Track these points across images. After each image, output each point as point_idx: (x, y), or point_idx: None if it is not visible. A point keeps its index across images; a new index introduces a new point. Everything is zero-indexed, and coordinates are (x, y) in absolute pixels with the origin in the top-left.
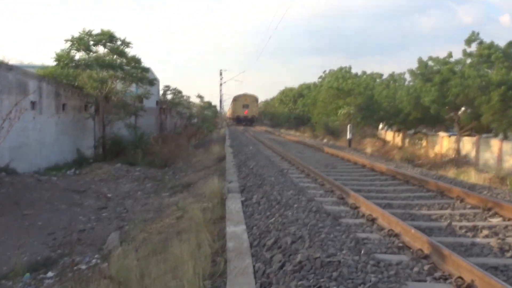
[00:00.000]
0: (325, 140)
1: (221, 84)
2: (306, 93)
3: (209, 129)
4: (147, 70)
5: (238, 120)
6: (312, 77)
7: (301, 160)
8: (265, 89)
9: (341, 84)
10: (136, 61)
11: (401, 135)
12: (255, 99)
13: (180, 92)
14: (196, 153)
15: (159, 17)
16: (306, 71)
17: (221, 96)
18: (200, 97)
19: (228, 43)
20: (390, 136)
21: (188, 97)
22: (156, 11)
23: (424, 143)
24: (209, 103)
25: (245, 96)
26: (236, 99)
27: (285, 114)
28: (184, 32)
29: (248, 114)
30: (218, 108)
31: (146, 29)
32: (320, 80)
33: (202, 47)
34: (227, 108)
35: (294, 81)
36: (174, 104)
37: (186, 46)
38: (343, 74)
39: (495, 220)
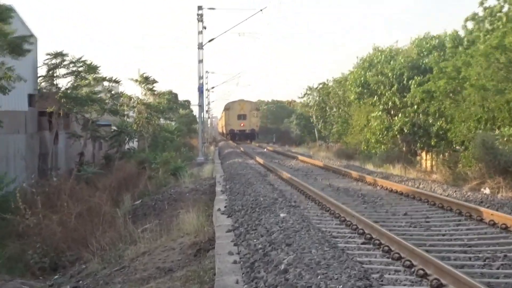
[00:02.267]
0: None
1: (200, 61)
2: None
3: (175, 167)
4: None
5: (232, 135)
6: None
7: None
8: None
9: None
10: None
11: None
12: (255, 107)
13: (93, 68)
14: (134, 235)
15: None
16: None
17: (200, 83)
18: (147, 81)
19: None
20: None
21: (117, 83)
22: None
23: None
24: (172, 98)
25: (241, 103)
26: (228, 108)
27: (383, 124)
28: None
29: (246, 127)
30: (202, 114)
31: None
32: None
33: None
34: (216, 111)
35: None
36: (80, 101)
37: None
38: None
39: None
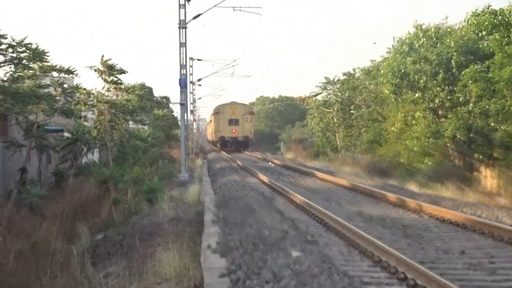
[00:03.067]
0: None
1: (182, 44)
2: None
3: (149, 188)
4: None
5: (223, 143)
6: None
7: None
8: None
9: None
10: None
11: None
12: (248, 110)
13: (39, 54)
14: (95, 281)
15: None
16: None
17: (183, 74)
18: (111, 70)
19: None
20: None
21: (71, 73)
22: None
23: None
24: (146, 94)
25: (232, 106)
26: (218, 112)
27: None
28: None
29: (239, 133)
30: (186, 115)
31: None
32: None
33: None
34: (205, 112)
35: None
36: (22, 98)
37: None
38: None
39: None
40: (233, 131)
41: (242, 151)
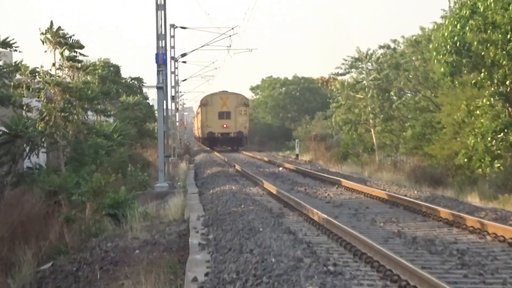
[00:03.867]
0: None
1: (160, 7)
2: None
3: (115, 201)
4: None
5: (212, 140)
6: None
7: None
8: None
9: None
10: None
11: None
12: (242, 101)
13: None
14: None
15: None
16: None
17: (161, 47)
18: (64, 41)
19: None
20: None
21: (8, 47)
22: None
23: None
24: (111, 75)
25: (223, 96)
26: (206, 103)
27: None
28: None
29: (231, 129)
30: (165, 103)
31: None
32: None
33: None
34: (192, 99)
35: None
36: None
37: None
38: None
39: None
40: (224, 125)
41: (237, 150)
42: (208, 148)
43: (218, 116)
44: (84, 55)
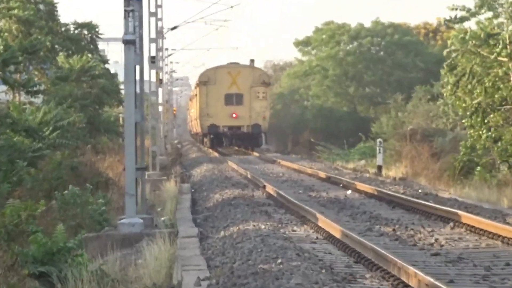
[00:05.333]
0: None
1: None
2: None
3: (44, 252)
4: None
5: (215, 136)
6: None
7: None
8: None
9: None
10: None
11: None
12: (260, 78)
13: None
14: None
15: None
16: None
17: None
18: None
19: None
20: None
21: None
22: None
23: None
24: (46, 13)
25: (232, 70)
26: (207, 81)
27: None
28: None
29: (243, 121)
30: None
31: None
32: None
33: None
34: (184, 71)
35: None
36: None
37: None
38: None
39: None
40: (233, 115)
41: (251, 152)
42: (217, 154)
43: (224, 101)
44: None
